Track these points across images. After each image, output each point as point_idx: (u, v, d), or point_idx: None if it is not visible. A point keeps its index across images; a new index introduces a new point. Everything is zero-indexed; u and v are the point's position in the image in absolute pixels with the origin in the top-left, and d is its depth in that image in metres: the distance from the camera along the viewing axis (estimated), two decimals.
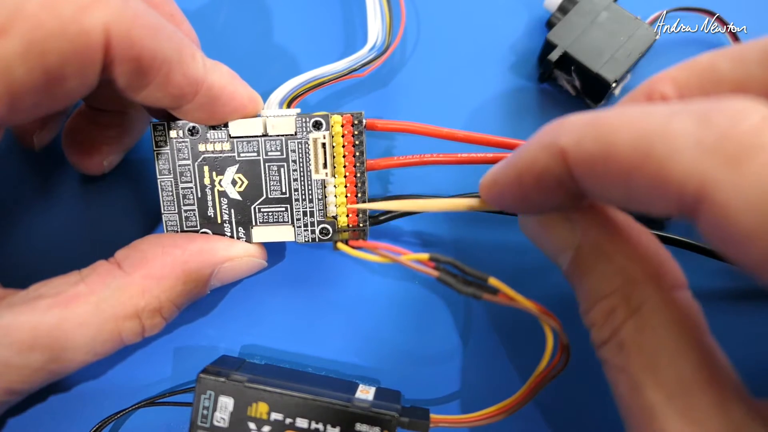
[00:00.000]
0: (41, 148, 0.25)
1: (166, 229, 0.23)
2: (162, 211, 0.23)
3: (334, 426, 0.20)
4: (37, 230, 0.26)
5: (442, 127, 0.23)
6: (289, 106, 0.23)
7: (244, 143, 0.22)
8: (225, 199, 0.23)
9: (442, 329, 0.25)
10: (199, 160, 0.22)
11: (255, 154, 0.22)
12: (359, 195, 0.22)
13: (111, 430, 0.24)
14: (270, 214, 0.23)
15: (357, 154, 0.22)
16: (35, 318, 0.19)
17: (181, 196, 0.23)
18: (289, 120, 0.22)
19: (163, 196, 0.23)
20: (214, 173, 0.22)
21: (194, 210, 0.23)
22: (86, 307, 0.20)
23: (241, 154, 0.22)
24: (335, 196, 0.22)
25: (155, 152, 0.22)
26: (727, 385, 0.15)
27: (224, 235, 0.23)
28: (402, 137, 0.27)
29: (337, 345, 0.25)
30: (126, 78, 0.17)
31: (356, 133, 0.22)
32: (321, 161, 0.22)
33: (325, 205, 0.22)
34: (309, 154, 0.22)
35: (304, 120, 0.22)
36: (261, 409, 0.21)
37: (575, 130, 0.15)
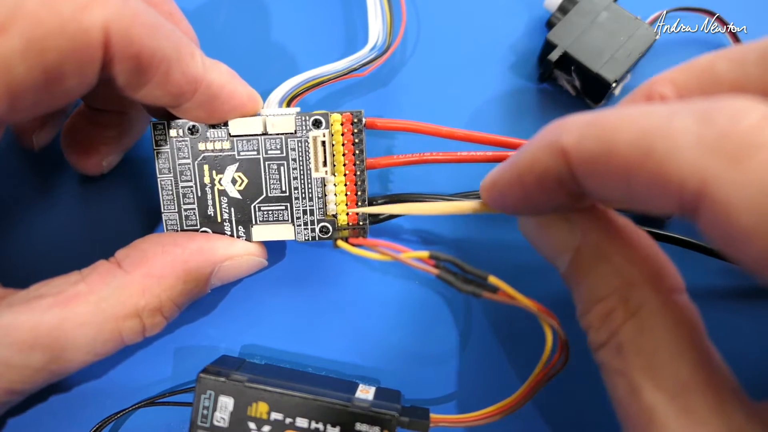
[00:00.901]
0: (41, 148, 0.25)
1: (166, 228, 0.23)
2: (162, 210, 0.23)
3: (334, 426, 0.20)
4: (37, 230, 0.26)
5: (441, 126, 0.23)
6: (288, 105, 0.23)
7: (244, 142, 0.22)
8: (225, 198, 0.22)
9: (442, 329, 0.25)
10: (199, 159, 0.22)
11: (255, 152, 0.22)
12: (359, 193, 0.22)
13: (111, 430, 0.24)
14: (270, 212, 0.23)
15: (357, 152, 0.22)
16: (35, 318, 0.19)
17: (181, 195, 0.23)
18: (288, 118, 0.22)
19: (163, 195, 0.23)
20: (214, 172, 0.22)
21: (194, 209, 0.23)
22: (86, 307, 0.20)
23: (241, 153, 0.22)
24: (335, 194, 0.22)
25: (155, 151, 0.22)
26: (725, 388, 0.15)
27: (224, 233, 0.23)
28: (402, 136, 0.27)
29: (337, 345, 0.25)
30: (125, 76, 0.17)
31: (356, 131, 0.22)
32: (321, 159, 0.22)
33: (325, 204, 0.22)
34: (309, 153, 0.22)
35: (303, 118, 0.22)
36: (261, 408, 0.21)
37: (576, 129, 0.15)
